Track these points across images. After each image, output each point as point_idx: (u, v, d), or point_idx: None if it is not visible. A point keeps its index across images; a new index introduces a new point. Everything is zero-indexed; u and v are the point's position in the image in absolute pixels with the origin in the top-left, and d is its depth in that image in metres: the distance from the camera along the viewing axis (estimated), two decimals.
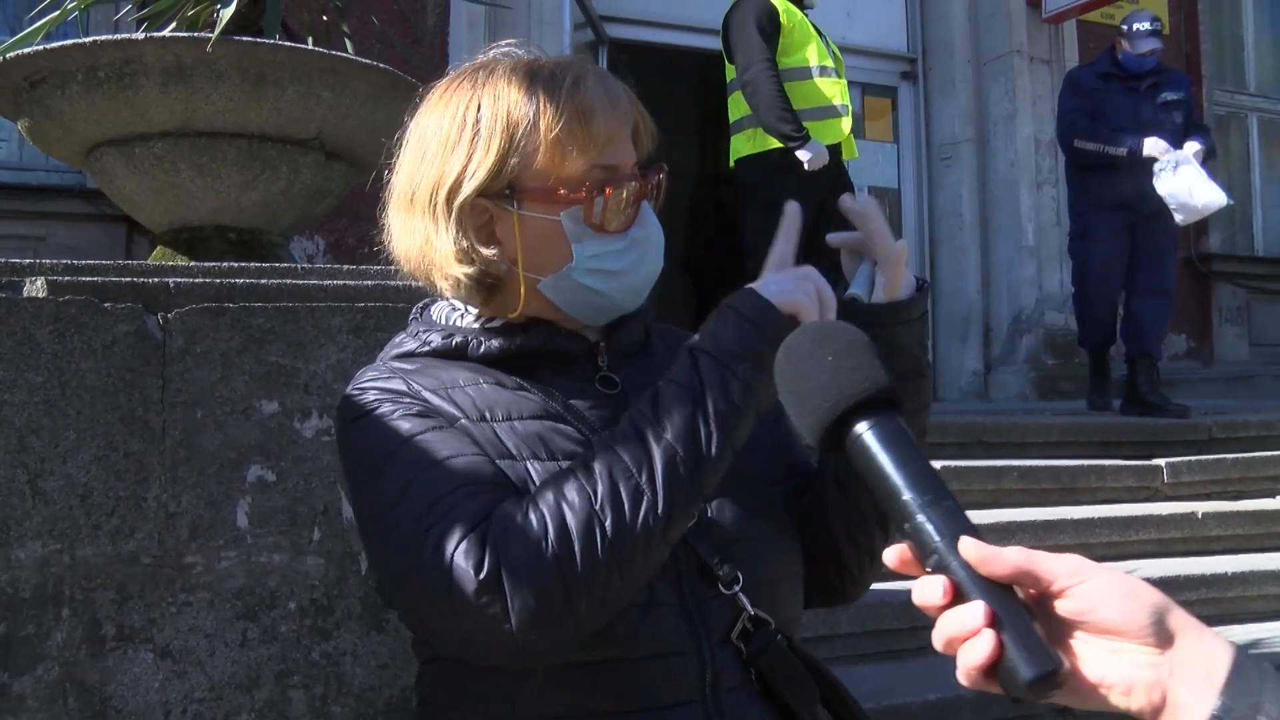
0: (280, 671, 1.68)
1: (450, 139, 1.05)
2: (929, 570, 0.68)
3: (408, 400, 1.01)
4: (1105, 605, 0.65)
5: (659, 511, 0.89)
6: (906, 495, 0.69)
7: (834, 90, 4.46)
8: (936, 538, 0.68)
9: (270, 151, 2.46)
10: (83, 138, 2.48)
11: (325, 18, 2.92)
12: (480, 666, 1.01)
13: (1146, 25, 4.98)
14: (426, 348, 1.08)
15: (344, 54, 2.48)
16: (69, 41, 2.30)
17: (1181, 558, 3.93)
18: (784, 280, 1.00)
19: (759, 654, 1.01)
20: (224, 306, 1.71)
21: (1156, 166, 4.76)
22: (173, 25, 2.65)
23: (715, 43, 7.04)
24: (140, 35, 2.32)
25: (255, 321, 1.71)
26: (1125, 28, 5.08)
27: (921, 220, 7.29)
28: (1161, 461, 4.45)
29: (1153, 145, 4.79)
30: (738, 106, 4.53)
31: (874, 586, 2.48)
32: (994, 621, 0.64)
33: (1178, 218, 4.85)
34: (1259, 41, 8.35)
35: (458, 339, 1.07)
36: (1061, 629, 0.66)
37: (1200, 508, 4.18)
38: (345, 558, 1.71)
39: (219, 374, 1.69)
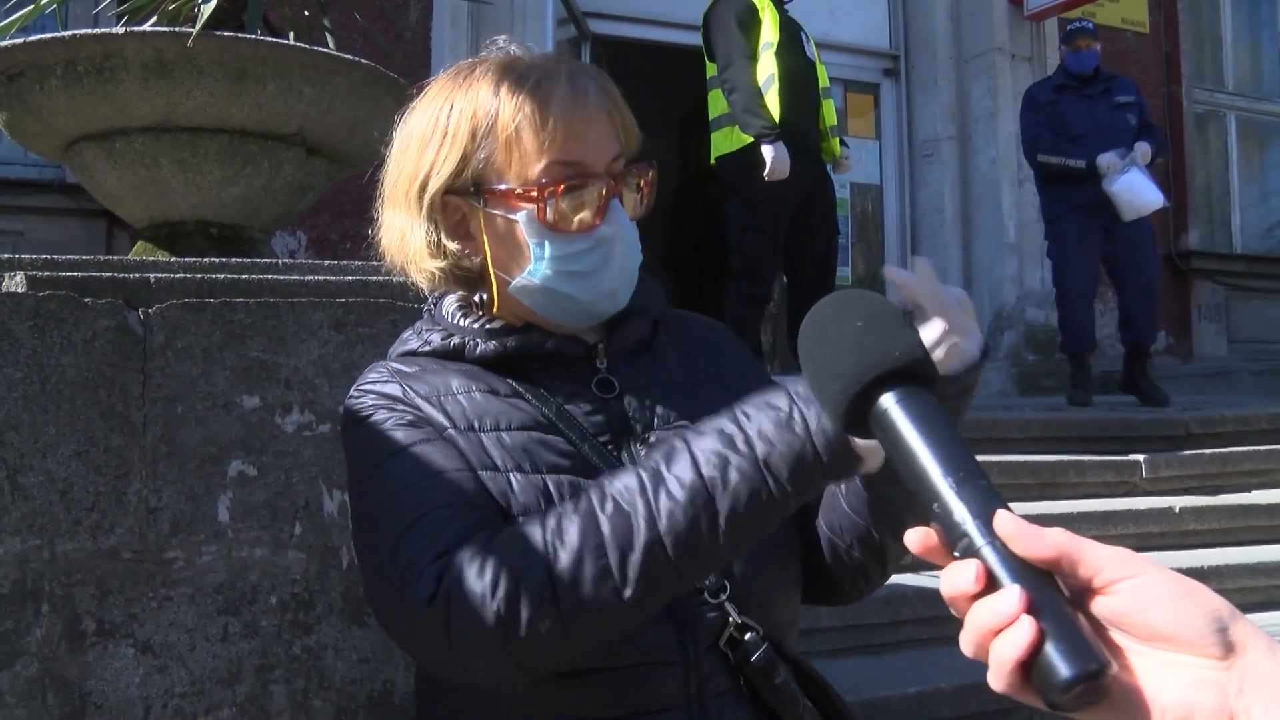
0: (261, 666, 1.68)
1: (425, 136, 1.07)
2: (957, 555, 0.60)
3: (401, 408, 1.02)
4: (1156, 606, 0.55)
5: (623, 596, 0.86)
6: (935, 473, 0.62)
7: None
8: (968, 518, 0.60)
9: (252, 147, 2.45)
10: (62, 132, 2.47)
11: (307, 13, 2.92)
12: None
13: (1079, 24, 5.44)
14: (427, 347, 1.10)
15: (325, 50, 2.47)
16: (47, 35, 2.29)
17: (1158, 551, 3.97)
18: None
19: (745, 661, 1.01)
20: (205, 302, 1.71)
21: (1102, 161, 5.10)
22: (153, 20, 2.63)
23: (700, 39, 7.06)
24: (120, 30, 2.31)
25: (236, 317, 1.71)
26: (1063, 32, 5.55)
27: (903, 217, 7.33)
28: (1140, 457, 4.49)
29: (1105, 161, 5.11)
30: (717, 103, 4.56)
31: None
32: (1032, 609, 0.55)
33: (1121, 214, 5.14)
34: (1237, 41, 8.42)
35: (456, 340, 1.08)
36: (1103, 633, 0.57)
37: (1177, 502, 4.22)
38: (326, 552, 1.71)
39: (200, 369, 1.69)
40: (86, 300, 1.65)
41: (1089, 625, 0.56)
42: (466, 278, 1.10)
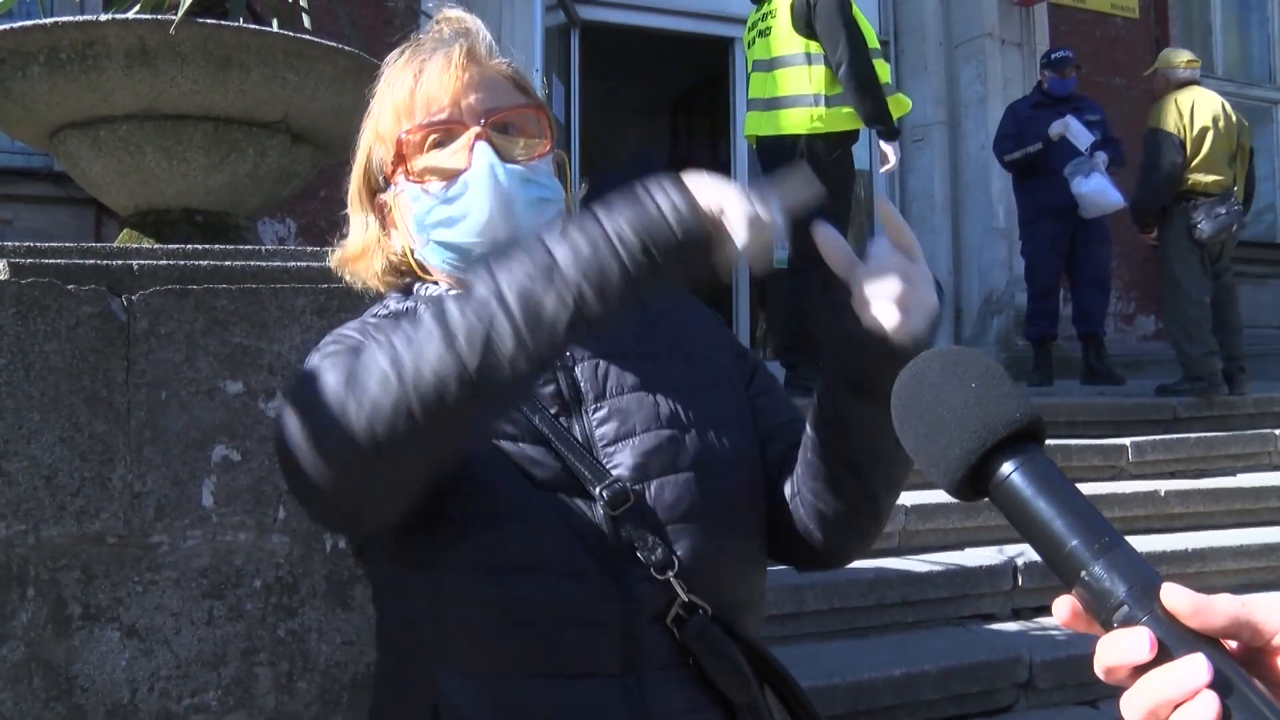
0: (246, 649, 1.69)
1: (357, 146, 1.17)
2: (1115, 625, 0.59)
3: (352, 341, 1.03)
4: None
5: (456, 346, 0.81)
6: (1075, 542, 0.61)
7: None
8: (1124, 587, 0.59)
9: (236, 134, 2.45)
10: (45, 120, 2.46)
11: (290, 0, 2.91)
12: (400, 625, 1.05)
13: (1063, 53, 6.12)
14: (385, 310, 1.13)
15: (308, 36, 2.47)
16: (29, 22, 2.28)
17: (1144, 535, 4.01)
18: (724, 185, 0.85)
19: (692, 639, 0.99)
20: (188, 288, 1.72)
21: (1068, 171, 5.76)
22: (137, 7, 2.63)
23: (689, 24, 7.05)
24: (103, 17, 2.31)
25: (219, 303, 1.72)
26: (1045, 59, 6.20)
27: (893, 202, 7.34)
28: (1127, 441, 4.53)
29: (1054, 130, 5.81)
30: (802, 81, 4.56)
31: None
32: (1216, 680, 0.53)
33: (1083, 213, 5.83)
34: (1226, 26, 8.43)
35: (409, 304, 1.12)
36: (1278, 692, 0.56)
37: (1163, 486, 4.26)
38: (310, 536, 1.73)
39: (183, 355, 1.70)
40: (70, 287, 1.66)
41: (1265, 689, 0.55)
42: (400, 268, 1.16)
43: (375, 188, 1.14)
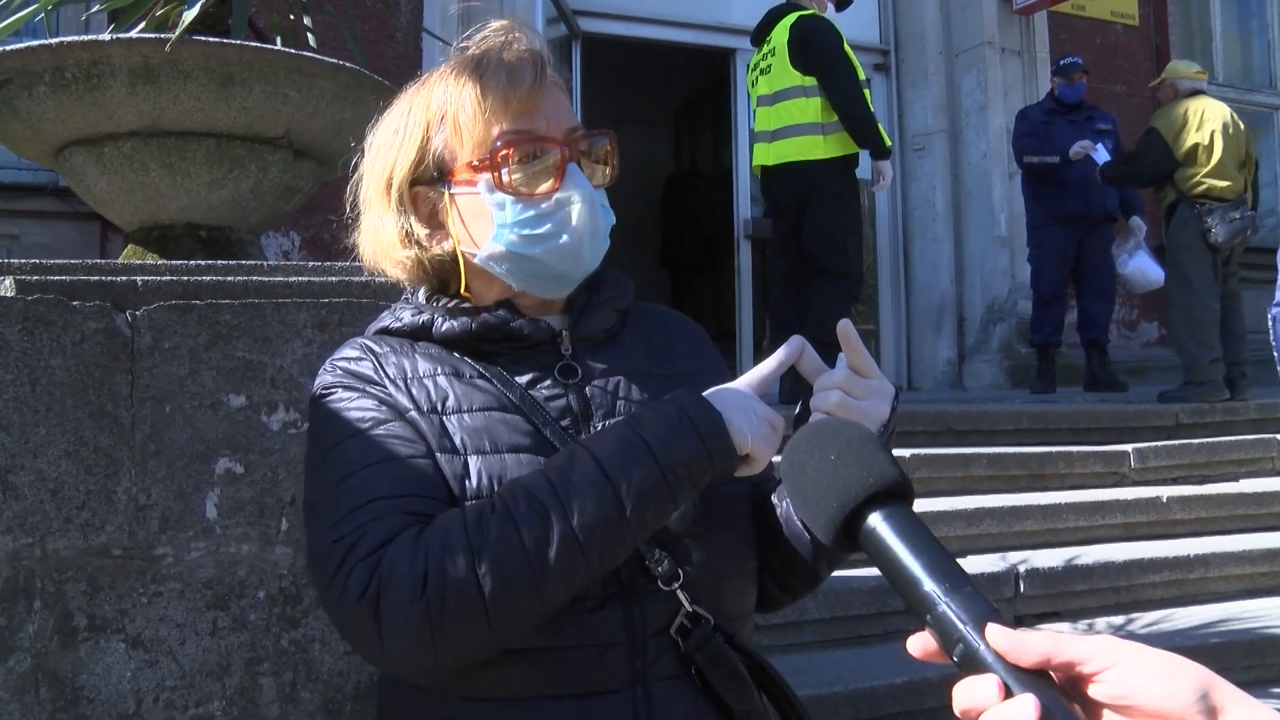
0: (250, 659, 1.71)
1: (387, 141, 1.14)
2: (955, 660, 0.67)
3: (370, 389, 1.06)
4: (1144, 687, 0.61)
5: (543, 592, 0.91)
6: (927, 586, 0.69)
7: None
8: (961, 626, 0.67)
9: (239, 150, 2.48)
10: (51, 138, 2.49)
11: (293, 17, 2.94)
12: None
13: (1072, 59, 6.18)
14: (399, 323, 1.14)
15: (309, 54, 2.50)
16: (35, 42, 2.31)
17: (1146, 541, 4.01)
18: (758, 423, 0.99)
19: (696, 649, 1.02)
20: (191, 304, 1.74)
21: (1114, 249, 6.05)
22: (141, 26, 2.66)
23: (690, 36, 7.08)
24: (107, 36, 2.34)
25: (222, 318, 1.75)
26: (1055, 67, 6.30)
27: (895, 211, 7.36)
28: (1129, 447, 4.52)
29: (1074, 148, 5.83)
30: (798, 111, 4.82)
31: (841, 574, 2.51)
32: (1044, 715, 0.60)
33: (1131, 289, 6.22)
34: (1226, 33, 8.45)
35: (425, 317, 1.12)
36: (1098, 713, 0.63)
37: (1165, 492, 4.25)
38: None
39: (187, 369, 1.72)
40: (75, 303, 1.68)
41: (1083, 713, 0.63)
42: (439, 268, 1.15)
43: (424, 179, 1.12)
